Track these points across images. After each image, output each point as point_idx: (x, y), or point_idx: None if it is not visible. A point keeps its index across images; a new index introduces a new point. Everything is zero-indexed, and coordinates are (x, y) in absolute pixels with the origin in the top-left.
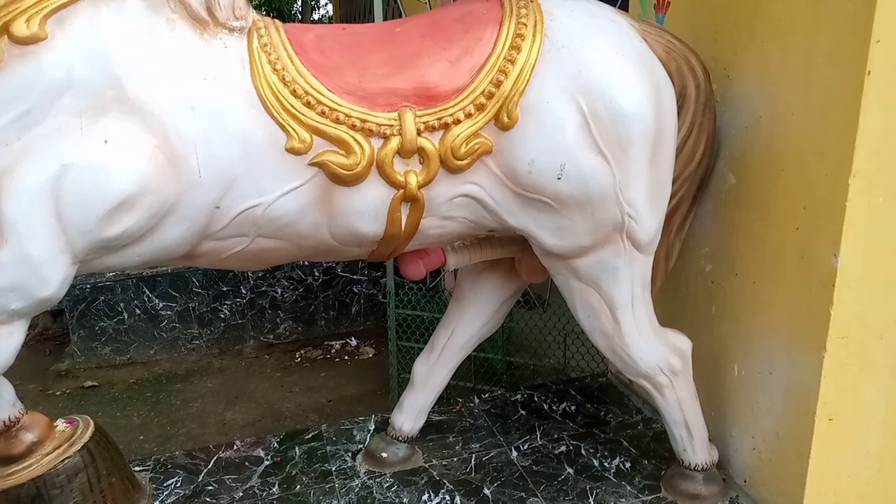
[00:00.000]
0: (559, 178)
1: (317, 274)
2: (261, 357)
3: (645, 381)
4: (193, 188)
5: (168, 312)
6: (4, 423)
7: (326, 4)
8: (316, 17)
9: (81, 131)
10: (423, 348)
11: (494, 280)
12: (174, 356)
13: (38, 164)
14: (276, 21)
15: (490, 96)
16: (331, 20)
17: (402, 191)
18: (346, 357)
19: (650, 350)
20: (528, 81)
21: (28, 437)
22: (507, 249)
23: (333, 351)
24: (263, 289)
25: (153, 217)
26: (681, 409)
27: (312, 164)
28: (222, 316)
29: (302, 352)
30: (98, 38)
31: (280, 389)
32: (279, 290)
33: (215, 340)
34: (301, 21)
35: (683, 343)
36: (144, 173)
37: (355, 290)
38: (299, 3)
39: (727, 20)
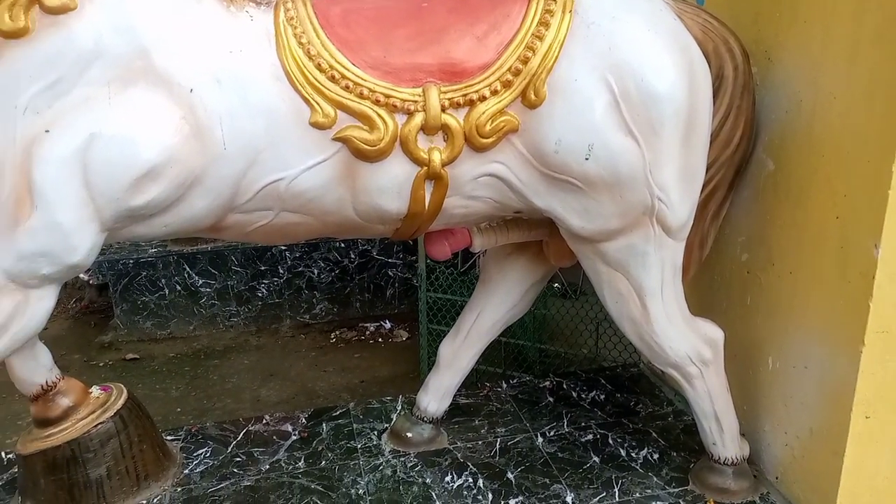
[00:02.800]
0: (587, 159)
1: (353, 256)
2: (297, 336)
3: (674, 371)
4: (218, 160)
5: (207, 290)
6: (42, 386)
7: None
8: None
9: (109, 101)
10: (446, 331)
11: (522, 263)
12: (213, 332)
13: (67, 133)
14: None
15: (517, 73)
16: None
17: (425, 168)
18: (379, 339)
19: (680, 338)
20: (556, 58)
21: (64, 402)
22: (534, 232)
23: (368, 333)
24: (300, 269)
25: (179, 188)
26: (711, 400)
27: (336, 139)
28: (260, 295)
29: (337, 332)
30: (126, 8)
31: (314, 369)
32: (316, 271)
33: (253, 318)
34: None
35: (715, 332)
36: (170, 144)
37: (390, 273)
38: None
39: (768, 1)
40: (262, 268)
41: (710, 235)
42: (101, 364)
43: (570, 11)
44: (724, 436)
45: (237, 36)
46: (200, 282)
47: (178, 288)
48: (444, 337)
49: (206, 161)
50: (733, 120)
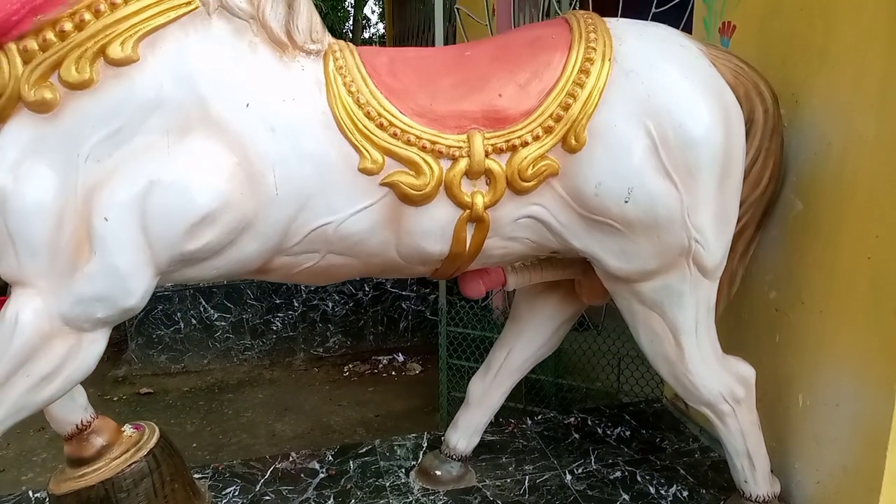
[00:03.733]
0: (626, 202)
1: (367, 289)
2: (310, 370)
3: (707, 409)
4: (270, 205)
5: (223, 323)
6: (77, 426)
7: (377, 24)
8: (366, 35)
9: (168, 149)
10: (472, 367)
11: (553, 302)
12: (226, 366)
13: (128, 180)
14: (350, 44)
15: (558, 119)
16: (382, 39)
17: (468, 211)
18: (393, 372)
19: (713, 377)
20: (596, 105)
21: (98, 441)
22: (567, 271)
23: (381, 366)
24: (315, 302)
25: (232, 232)
26: (743, 438)
27: (383, 184)
28: (274, 328)
29: (350, 366)
30: (186, 60)
31: (329, 403)
32: (330, 304)
33: (266, 352)
34: (352, 40)
35: (747, 371)
36: (225, 190)
37: (403, 306)
38: (351, 22)
39: (797, 44)
40: (278, 301)
41: (738, 274)
42: (115, 398)
43: (610, 60)
44: (755, 473)
45: (290, 85)
46: (216, 315)
47: (194, 321)
48: (462, 371)
49: (259, 206)
50: (762, 161)
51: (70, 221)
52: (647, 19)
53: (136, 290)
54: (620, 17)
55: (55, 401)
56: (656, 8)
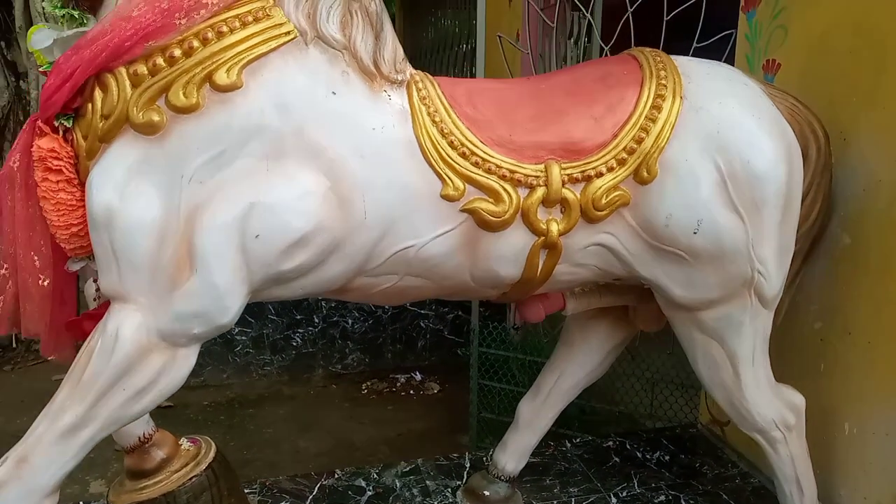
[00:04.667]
0: (695, 233)
1: (386, 307)
2: (329, 386)
3: (759, 436)
4: (359, 229)
5: (243, 338)
6: (139, 438)
7: None
8: None
9: (267, 173)
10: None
11: (605, 326)
12: (246, 381)
13: (229, 202)
14: (428, 75)
15: (631, 152)
16: None
17: (543, 238)
18: (411, 391)
19: (767, 405)
20: (668, 139)
21: (159, 454)
22: (624, 297)
23: (399, 384)
24: (335, 318)
25: (323, 254)
26: (793, 465)
27: (463, 210)
28: (294, 344)
29: (368, 383)
30: (286, 89)
31: (350, 420)
32: (350, 321)
33: (286, 367)
34: None
35: (797, 399)
36: (320, 214)
37: (422, 324)
38: None
39: (844, 85)
40: (298, 317)
41: (784, 304)
42: None
43: (681, 96)
44: (804, 499)
45: (378, 114)
46: (236, 329)
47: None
48: (493, 392)
49: (348, 229)
50: (813, 196)
51: (172, 240)
52: (688, 54)
53: (231, 308)
54: (662, 49)
55: (144, 414)
56: (697, 43)
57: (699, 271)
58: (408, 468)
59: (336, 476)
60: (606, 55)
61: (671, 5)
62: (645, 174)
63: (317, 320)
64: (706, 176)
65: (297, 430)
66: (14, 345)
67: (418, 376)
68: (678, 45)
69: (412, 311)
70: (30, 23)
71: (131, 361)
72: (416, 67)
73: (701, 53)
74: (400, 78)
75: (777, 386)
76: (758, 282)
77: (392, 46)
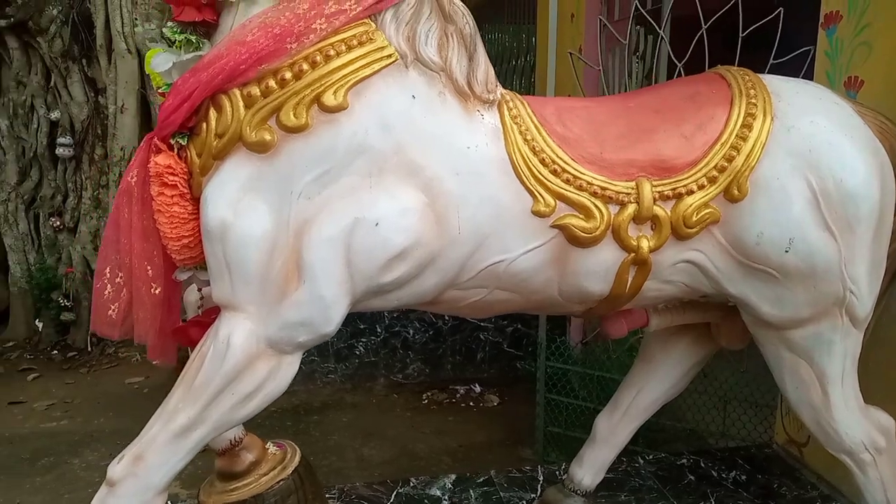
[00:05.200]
0: (787, 251)
1: (447, 318)
2: (390, 395)
3: (847, 458)
4: (453, 243)
5: None
6: (231, 441)
7: None
8: None
9: (370, 190)
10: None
11: (686, 343)
12: (310, 388)
13: (335, 217)
14: (516, 94)
15: (722, 170)
16: None
17: (633, 254)
18: (470, 403)
19: (856, 426)
20: (758, 158)
21: (248, 457)
22: (708, 314)
23: (458, 395)
24: (397, 329)
25: (419, 267)
26: (883, 488)
27: (554, 226)
28: (357, 352)
29: (428, 394)
30: (388, 109)
31: (412, 430)
32: (411, 332)
33: (349, 376)
34: None
35: (887, 421)
36: (418, 229)
37: (481, 336)
38: None
39: None
40: (362, 326)
41: (871, 322)
42: None
43: (771, 115)
44: None
45: (472, 133)
46: None
47: None
48: (560, 407)
49: (443, 244)
50: None
51: (281, 253)
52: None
53: (335, 318)
54: (737, 66)
55: (249, 418)
56: (774, 59)
57: (790, 290)
58: (481, 479)
59: (411, 484)
60: (680, 73)
61: (746, 21)
62: (736, 192)
63: (379, 330)
64: (798, 194)
65: (360, 438)
66: (89, 349)
67: (477, 388)
68: (753, 61)
69: (472, 323)
70: (110, 42)
71: (240, 367)
72: None
73: (777, 70)
74: (492, 98)
75: (866, 407)
76: (850, 301)
77: (484, 67)
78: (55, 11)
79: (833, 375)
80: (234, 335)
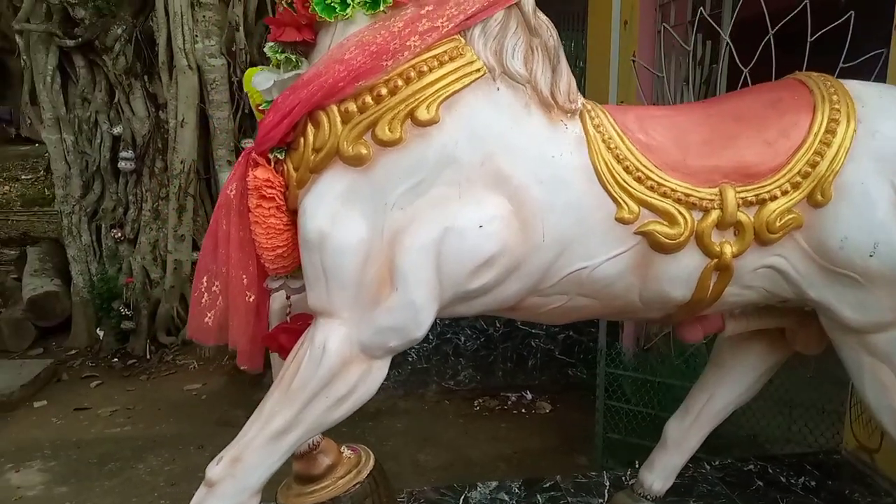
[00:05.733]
0: (871, 256)
1: (498, 325)
2: (441, 402)
3: None
4: (537, 250)
5: None
6: (308, 445)
7: None
8: None
9: (459, 199)
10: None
11: (760, 348)
12: None
13: (426, 226)
14: (597, 104)
15: (806, 175)
16: None
17: (716, 260)
18: (522, 410)
19: None
20: (843, 163)
21: (325, 461)
22: (784, 319)
23: (510, 402)
24: (448, 336)
25: (504, 274)
26: None
27: (637, 233)
28: (409, 359)
29: (480, 400)
30: (477, 121)
31: (465, 436)
32: (462, 338)
33: (402, 382)
34: None
35: None
36: (504, 236)
37: (533, 343)
38: None
39: None
40: None
41: None
42: None
43: (855, 120)
44: None
45: (557, 142)
46: None
47: None
48: (620, 413)
49: (528, 251)
50: None
51: (375, 261)
52: (834, 73)
53: (424, 323)
54: (806, 69)
55: (341, 421)
56: (844, 63)
57: (873, 294)
58: (547, 484)
59: (478, 489)
60: (746, 78)
61: (814, 26)
62: (819, 197)
63: (431, 337)
64: (883, 198)
65: (414, 444)
66: (148, 356)
67: (529, 395)
68: (823, 64)
69: (523, 329)
70: (171, 58)
71: (335, 372)
72: None
73: (848, 74)
74: (574, 107)
75: None
76: None
77: (567, 79)
78: (120, 30)
79: None
80: (330, 340)
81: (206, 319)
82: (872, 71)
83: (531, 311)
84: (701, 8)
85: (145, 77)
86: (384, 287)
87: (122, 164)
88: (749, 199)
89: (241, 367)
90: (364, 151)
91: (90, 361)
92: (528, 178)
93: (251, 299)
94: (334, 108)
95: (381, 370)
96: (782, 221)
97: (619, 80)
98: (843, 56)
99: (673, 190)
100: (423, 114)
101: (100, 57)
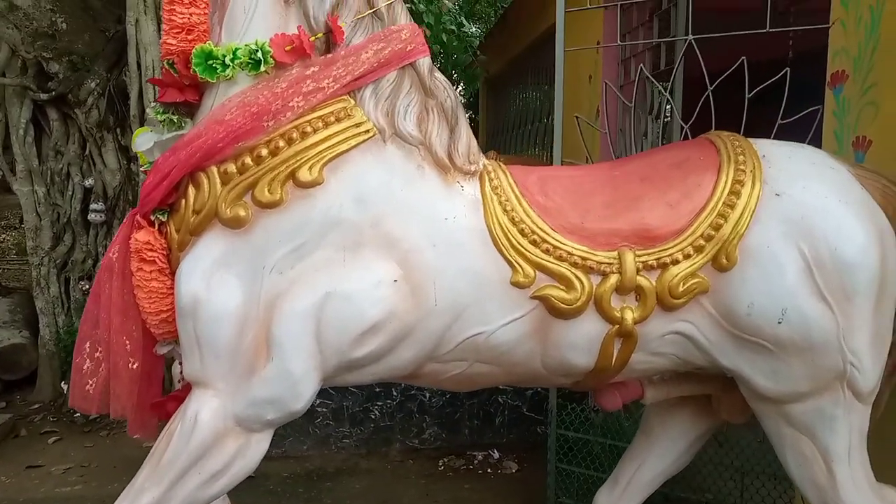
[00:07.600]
0: (780, 322)
1: None
2: (405, 462)
3: None
4: (429, 315)
5: (324, 409)
6: None
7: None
8: None
9: (344, 263)
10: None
11: (687, 416)
12: (325, 453)
13: (307, 291)
14: (501, 164)
15: (709, 239)
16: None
17: (617, 326)
18: (488, 469)
19: None
20: (747, 225)
21: None
22: (706, 386)
23: (476, 462)
24: (413, 392)
25: (394, 340)
26: None
27: (534, 297)
28: (372, 417)
29: (445, 459)
30: (364, 183)
31: (426, 498)
32: (427, 395)
33: (364, 441)
34: None
35: None
36: (392, 302)
37: (500, 400)
38: None
39: None
40: (377, 389)
41: (884, 396)
42: None
43: (761, 181)
44: None
45: (451, 204)
46: (318, 401)
47: None
48: (571, 476)
49: (419, 316)
50: None
51: (251, 328)
52: (772, 130)
53: (304, 394)
54: (745, 126)
55: (217, 498)
56: (782, 119)
57: (785, 363)
58: None
59: None
60: (686, 134)
61: (753, 81)
62: (724, 261)
63: (395, 393)
64: (791, 263)
65: None
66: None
67: (496, 454)
68: (762, 121)
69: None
70: (142, 111)
71: (207, 446)
72: (498, 141)
73: (786, 129)
74: (473, 169)
75: (879, 486)
76: (851, 375)
77: (466, 140)
78: (93, 84)
79: (838, 452)
80: (202, 412)
81: (88, 387)
82: (811, 127)
83: (432, 378)
84: (642, 66)
85: (117, 130)
86: (260, 355)
87: (92, 216)
88: (650, 262)
89: (134, 437)
90: (242, 213)
91: (52, 416)
92: (421, 241)
93: (135, 366)
94: (214, 169)
95: (260, 444)
96: (686, 286)
97: (573, 137)
98: (780, 112)
99: (569, 253)
100: (305, 175)
101: (73, 110)
